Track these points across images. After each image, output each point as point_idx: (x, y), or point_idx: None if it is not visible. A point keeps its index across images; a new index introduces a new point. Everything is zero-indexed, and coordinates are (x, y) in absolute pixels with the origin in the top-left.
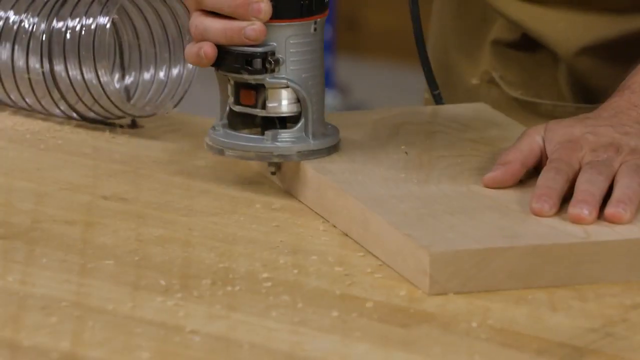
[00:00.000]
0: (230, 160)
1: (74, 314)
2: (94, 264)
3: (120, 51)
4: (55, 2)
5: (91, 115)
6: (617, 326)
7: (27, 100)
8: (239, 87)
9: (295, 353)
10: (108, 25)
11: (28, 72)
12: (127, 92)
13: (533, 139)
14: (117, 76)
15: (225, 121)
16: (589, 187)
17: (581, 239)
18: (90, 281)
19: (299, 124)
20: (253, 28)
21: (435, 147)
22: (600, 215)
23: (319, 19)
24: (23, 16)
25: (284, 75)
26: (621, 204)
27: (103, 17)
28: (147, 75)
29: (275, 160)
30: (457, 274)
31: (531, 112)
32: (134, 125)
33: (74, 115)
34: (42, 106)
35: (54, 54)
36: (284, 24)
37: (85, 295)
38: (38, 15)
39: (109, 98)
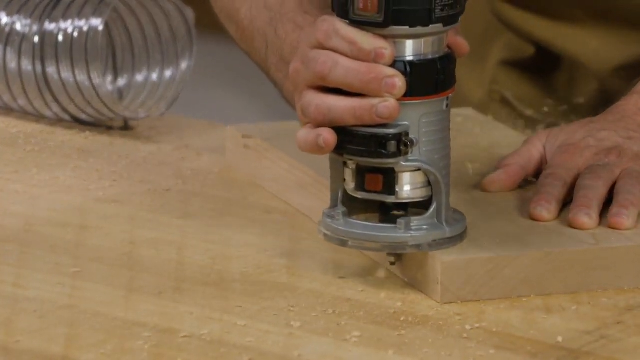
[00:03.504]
0: (226, 162)
1: (67, 317)
2: (87, 267)
3: (112, 53)
4: (48, 4)
5: (83, 117)
6: (611, 329)
7: (19, 102)
8: (363, 171)
9: (290, 355)
10: (101, 27)
11: (20, 74)
12: (120, 94)
13: (534, 144)
14: (109, 78)
15: (344, 209)
16: (586, 193)
17: (591, 245)
18: (83, 284)
19: (431, 210)
20: (386, 105)
21: None
22: (603, 221)
23: (450, 95)
24: (15, 18)
25: (416, 157)
26: (623, 210)
27: (96, 18)
28: (139, 77)
29: (410, 251)
30: (468, 282)
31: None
32: (126, 127)
33: (67, 117)
34: (35, 108)
35: (46, 55)
36: (418, 101)
37: (79, 298)
38: (30, 17)
39: (101, 100)
